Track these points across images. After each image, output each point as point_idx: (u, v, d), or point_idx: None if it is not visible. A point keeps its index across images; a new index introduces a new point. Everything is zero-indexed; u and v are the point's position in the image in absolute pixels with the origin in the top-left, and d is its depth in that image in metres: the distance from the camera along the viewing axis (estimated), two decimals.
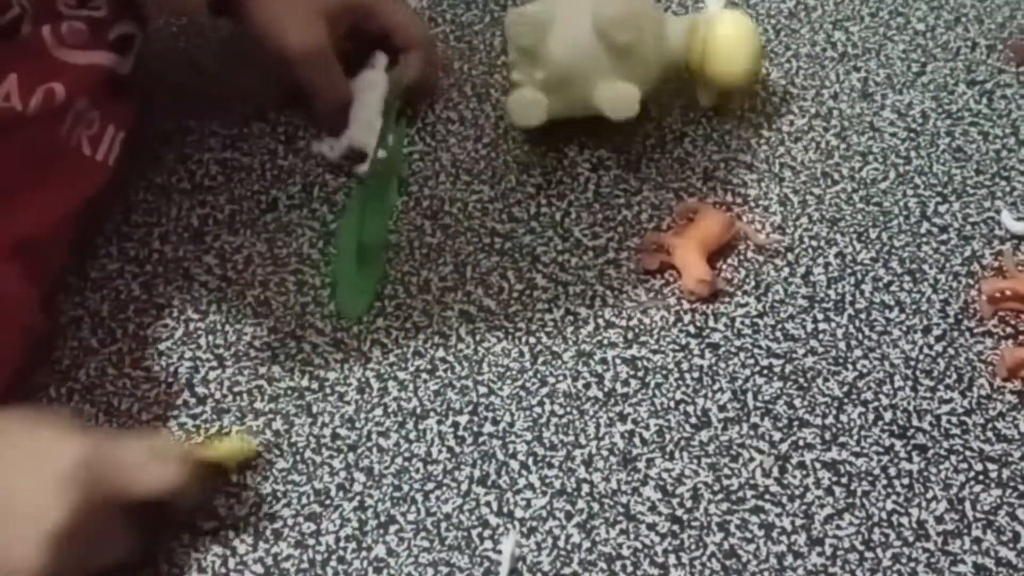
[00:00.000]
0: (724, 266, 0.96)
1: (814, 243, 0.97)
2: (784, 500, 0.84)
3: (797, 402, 0.89)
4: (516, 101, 0.99)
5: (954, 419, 0.88)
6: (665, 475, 0.85)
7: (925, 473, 0.85)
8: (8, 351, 0.84)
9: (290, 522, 0.83)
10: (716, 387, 0.89)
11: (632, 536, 0.82)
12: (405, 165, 1.01)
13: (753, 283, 0.95)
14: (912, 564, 0.81)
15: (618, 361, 0.91)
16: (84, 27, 0.91)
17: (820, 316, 0.93)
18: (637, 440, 0.87)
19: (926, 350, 0.91)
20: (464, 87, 1.08)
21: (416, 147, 1.03)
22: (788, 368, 0.90)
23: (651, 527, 0.83)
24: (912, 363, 0.91)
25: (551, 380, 0.90)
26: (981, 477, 0.85)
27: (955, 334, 0.92)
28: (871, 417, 0.88)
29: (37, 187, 0.88)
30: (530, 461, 0.86)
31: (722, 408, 0.88)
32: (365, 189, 0.96)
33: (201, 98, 1.06)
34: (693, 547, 0.82)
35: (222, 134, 1.03)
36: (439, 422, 0.88)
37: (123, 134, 0.95)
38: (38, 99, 0.86)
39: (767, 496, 0.84)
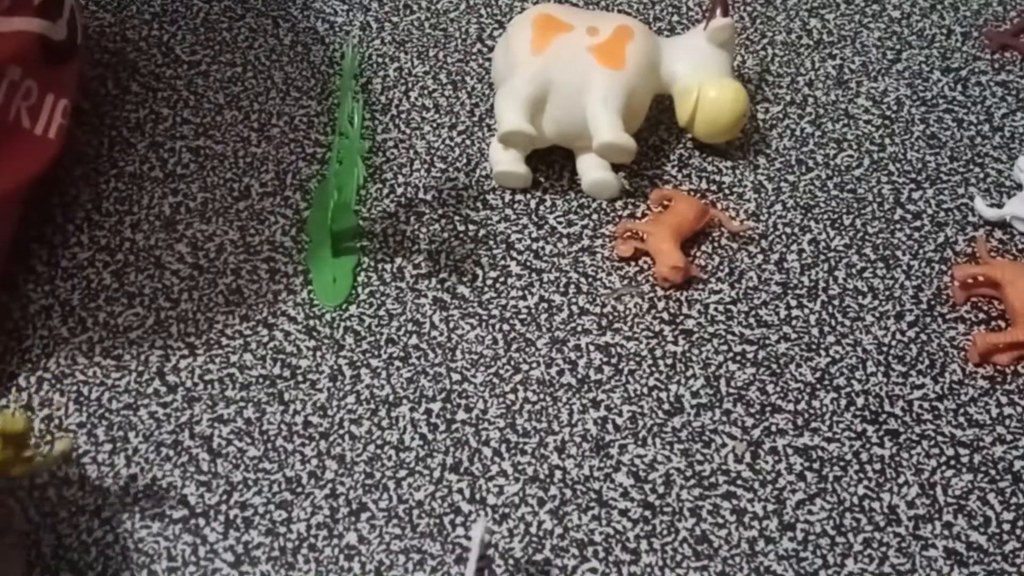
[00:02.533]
0: (698, 253, 0.96)
1: (788, 230, 0.97)
2: (756, 485, 0.84)
3: (770, 388, 0.89)
4: (501, 175, 0.99)
5: (926, 404, 0.88)
6: (638, 461, 0.85)
7: (897, 458, 0.85)
8: None
9: (261, 510, 0.83)
10: (689, 373, 0.89)
11: (604, 522, 0.82)
12: (367, 146, 1.01)
13: (727, 270, 0.95)
14: (883, 549, 0.81)
15: (592, 348, 0.91)
16: None
17: (793, 302, 0.93)
18: (610, 426, 0.87)
19: (899, 336, 0.92)
20: (439, 74, 1.07)
21: (391, 135, 1.03)
22: (761, 354, 0.90)
23: (623, 513, 0.83)
24: (885, 349, 0.91)
25: (524, 367, 0.90)
26: (952, 462, 0.85)
27: (928, 320, 0.92)
28: (843, 403, 0.88)
29: None
30: (503, 448, 0.86)
31: (695, 394, 0.88)
32: (331, 177, 0.95)
33: (174, 86, 1.05)
34: (665, 533, 0.82)
35: (194, 122, 1.03)
36: (412, 409, 0.87)
37: (66, 102, 0.94)
38: None
39: (739, 482, 0.84)
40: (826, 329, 0.92)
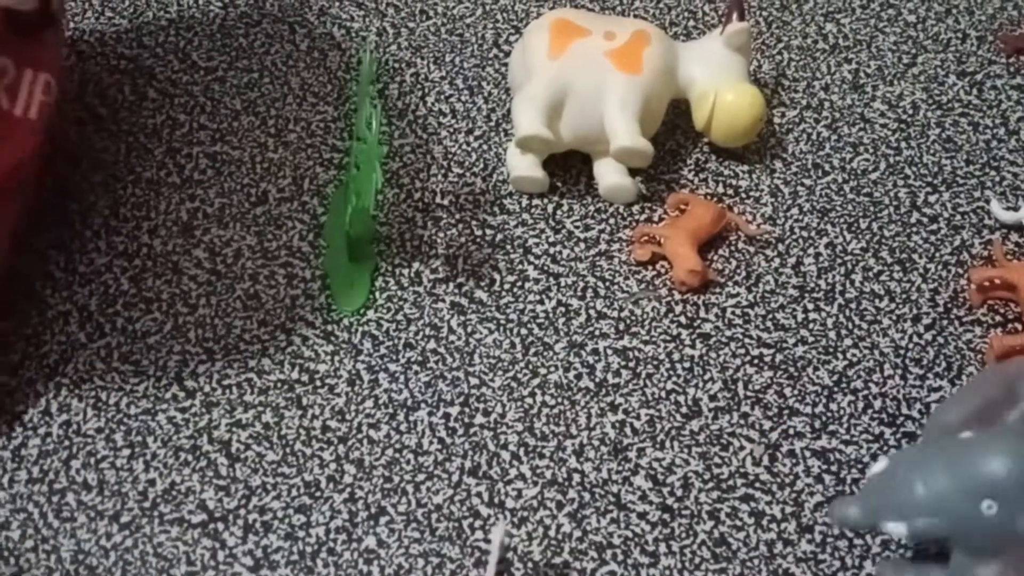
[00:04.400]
0: (715, 257, 0.96)
1: (805, 233, 0.97)
2: (774, 488, 0.84)
3: (787, 391, 0.89)
4: (518, 180, 0.99)
5: None
6: (656, 464, 0.85)
7: None
8: None
9: (280, 514, 0.83)
10: (707, 377, 0.89)
11: (623, 525, 0.82)
12: (384, 151, 1.01)
13: (744, 273, 0.95)
14: (901, 550, 0.81)
15: (609, 352, 0.91)
16: None
17: (811, 306, 0.93)
18: (628, 430, 0.87)
19: (915, 339, 0.91)
20: (456, 80, 1.08)
21: (408, 140, 1.03)
22: (779, 357, 0.90)
23: (642, 516, 0.83)
24: (901, 352, 0.91)
25: (542, 371, 0.90)
26: None
27: (944, 323, 0.92)
28: (861, 405, 0.88)
29: None
30: (521, 452, 0.86)
31: (713, 398, 0.88)
32: (348, 182, 0.96)
33: (190, 92, 1.05)
34: (683, 535, 0.82)
35: (211, 128, 1.03)
36: (430, 413, 0.87)
37: (47, 76, 0.89)
38: None
39: (757, 484, 0.84)
40: (843, 332, 0.92)
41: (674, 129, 1.03)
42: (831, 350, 0.91)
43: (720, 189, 1.00)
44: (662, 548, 0.81)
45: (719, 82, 0.99)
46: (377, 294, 0.93)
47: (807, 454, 0.85)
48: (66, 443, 0.86)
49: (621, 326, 0.92)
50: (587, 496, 0.84)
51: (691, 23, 1.12)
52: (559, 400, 0.88)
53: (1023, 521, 0.69)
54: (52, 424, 0.87)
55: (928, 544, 0.80)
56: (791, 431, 0.87)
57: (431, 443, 0.86)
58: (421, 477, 0.84)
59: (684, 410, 0.88)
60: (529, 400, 0.88)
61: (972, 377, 0.83)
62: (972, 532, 0.71)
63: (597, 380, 0.89)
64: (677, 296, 0.94)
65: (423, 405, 0.88)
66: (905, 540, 0.78)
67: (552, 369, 0.90)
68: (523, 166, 0.98)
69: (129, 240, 0.96)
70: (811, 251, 0.96)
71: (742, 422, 0.87)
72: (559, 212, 0.98)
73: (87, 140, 0.94)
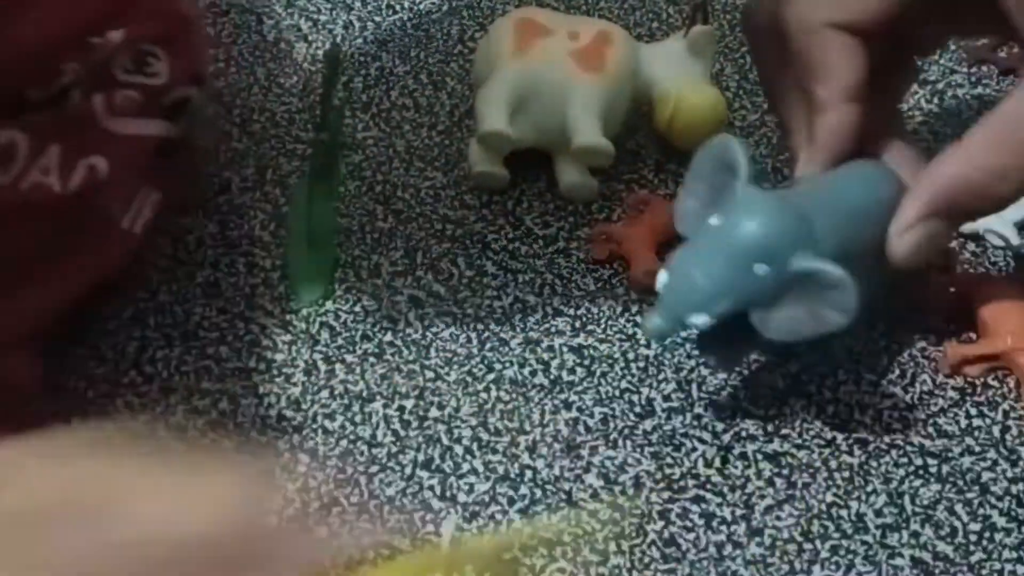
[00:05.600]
0: None
1: None
2: (725, 490, 0.84)
3: (741, 393, 0.89)
4: (479, 176, 1.00)
5: (896, 414, 0.88)
6: (608, 463, 0.85)
7: (865, 467, 0.86)
8: None
9: None
10: (661, 377, 0.90)
11: (573, 522, 0.83)
12: (347, 143, 1.02)
13: None
14: (850, 556, 0.82)
15: (565, 349, 0.91)
16: (138, 95, 0.87)
17: None
18: (581, 428, 0.87)
19: (870, 345, 0.92)
20: (420, 74, 1.08)
21: (371, 133, 1.03)
22: None
23: (592, 514, 0.83)
24: (856, 357, 0.91)
25: (498, 366, 0.90)
26: (921, 472, 0.86)
27: (899, 331, 0.93)
28: (813, 410, 0.88)
29: (58, 261, 0.85)
30: (474, 446, 0.86)
31: (666, 398, 0.89)
32: (311, 174, 0.96)
33: None
34: (633, 535, 0.82)
35: None
36: (385, 405, 0.88)
37: (157, 195, 0.91)
38: (79, 177, 0.83)
39: (708, 486, 0.85)
40: None
41: (635, 129, 1.04)
42: (784, 353, 0.91)
43: (680, 190, 1.00)
44: (612, 547, 0.82)
45: (681, 84, 0.99)
46: (336, 285, 0.94)
47: (759, 457, 0.86)
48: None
49: (577, 324, 0.93)
50: (539, 492, 0.84)
51: (655, 24, 1.13)
52: (513, 396, 0.88)
53: (793, 262, 0.76)
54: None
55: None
56: (743, 433, 0.87)
57: (385, 435, 0.86)
58: (374, 469, 0.85)
59: (638, 409, 0.88)
60: (484, 395, 0.88)
61: (690, 168, 0.84)
62: (757, 294, 0.77)
63: (552, 377, 0.90)
64: (634, 296, 0.94)
65: (378, 397, 0.88)
66: (710, 324, 0.80)
67: (507, 365, 0.90)
68: (484, 162, 0.98)
69: None
70: None
71: (695, 423, 0.88)
72: (519, 209, 0.99)
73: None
